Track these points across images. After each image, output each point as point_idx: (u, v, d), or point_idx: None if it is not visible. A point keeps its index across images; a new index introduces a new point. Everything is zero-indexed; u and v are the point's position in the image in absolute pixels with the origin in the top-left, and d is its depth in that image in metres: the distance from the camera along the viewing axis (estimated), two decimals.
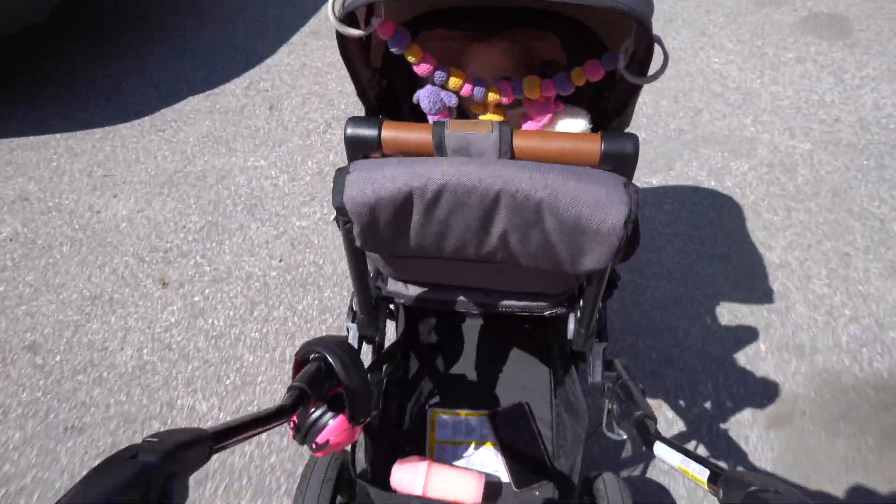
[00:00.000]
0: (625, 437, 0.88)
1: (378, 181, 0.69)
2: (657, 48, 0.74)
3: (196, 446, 0.52)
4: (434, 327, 1.50)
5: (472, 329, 1.50)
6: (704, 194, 2.08)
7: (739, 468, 1.39)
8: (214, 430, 0.55)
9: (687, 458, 0.67)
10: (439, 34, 0.94)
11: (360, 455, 1.13)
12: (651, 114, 2.43)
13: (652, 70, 0.78)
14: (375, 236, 0.75)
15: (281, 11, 3.14)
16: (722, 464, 1.39)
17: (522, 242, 0.73)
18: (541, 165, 0.69)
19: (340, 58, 0.83)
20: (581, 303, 0.85)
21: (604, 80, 0.90)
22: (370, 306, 0.98)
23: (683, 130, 2.34)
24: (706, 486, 0.62)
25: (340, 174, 0.71)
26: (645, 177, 2.14)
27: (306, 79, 2.68)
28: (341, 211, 0.72)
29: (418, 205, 0.69)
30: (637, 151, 0.72)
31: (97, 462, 0.64)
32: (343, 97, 2.55)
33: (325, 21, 2.10)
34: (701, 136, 2.31)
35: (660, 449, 0.73)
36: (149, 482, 0.45)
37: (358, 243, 0.77)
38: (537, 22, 0.92)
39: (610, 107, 0.93)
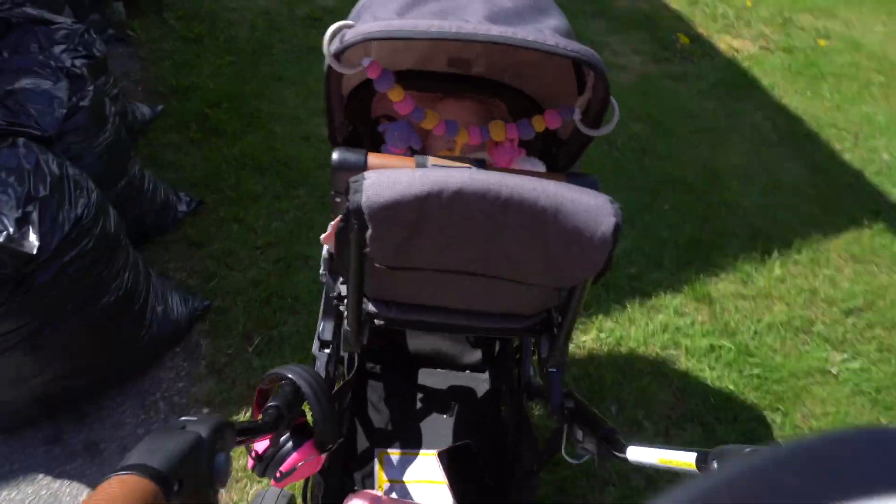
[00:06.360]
0: (585, 458, 0.90)
1: (397, 185, 0.69)
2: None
3: (229, 430, 0.57)
4: (382, 370, 1.50)
5: (419, 373, 1.51)
6: None
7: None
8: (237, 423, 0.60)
9: (665, 451, 0.69)
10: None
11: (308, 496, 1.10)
12: None
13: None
14: (388, 242, 0.75)
15: None
16: None
17: (525, 252, 0.76)
18: (541, 179, 0.73)
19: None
20: (561, 319, 0.89)
21: (553, 138, 0.99)
22: (360, 320, 0.96)
23: None
24: (696, 469, 0.64)
25: (357, 179, 0.71)
26: None
27: None
28: (358, 214, 0.71)
29: (434, 209, 0.70)
30: (597, 189, 0.79)
31: None
32: None
33: None
34: None
35: (634, 453, 0.75)
36: (200, 451, 0.49)
37: (368, 249, 0.76)
38: (485, 89, 1.02)
39: (560, 162, 1.02)
